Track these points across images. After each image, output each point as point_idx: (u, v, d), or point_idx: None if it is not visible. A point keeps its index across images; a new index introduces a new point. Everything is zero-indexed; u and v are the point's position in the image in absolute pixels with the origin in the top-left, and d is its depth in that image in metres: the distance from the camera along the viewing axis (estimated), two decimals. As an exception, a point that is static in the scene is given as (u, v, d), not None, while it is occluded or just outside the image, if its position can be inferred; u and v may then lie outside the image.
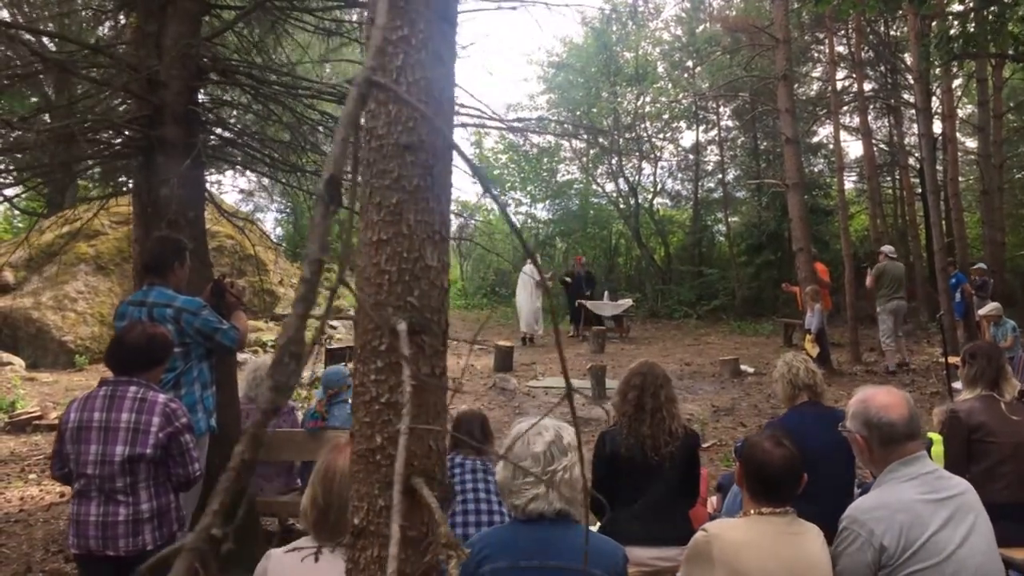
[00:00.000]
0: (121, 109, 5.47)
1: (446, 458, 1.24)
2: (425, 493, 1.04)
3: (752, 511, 2.46)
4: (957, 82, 18.04)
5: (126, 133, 4.88)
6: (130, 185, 5.87)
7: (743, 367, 12.12)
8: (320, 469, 2.22)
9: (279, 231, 25.16)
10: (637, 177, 24.46)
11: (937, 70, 14.38)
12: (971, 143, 21.21)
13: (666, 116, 24.08)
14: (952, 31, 9.58)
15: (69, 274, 13.25)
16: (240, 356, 9.48)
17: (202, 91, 5.15)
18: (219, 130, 5.38)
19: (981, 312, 10.59)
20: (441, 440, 1.20)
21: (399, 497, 0.85)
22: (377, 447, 1.15)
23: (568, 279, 17.16)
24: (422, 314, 1.18)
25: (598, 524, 3.58)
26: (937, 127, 16.77)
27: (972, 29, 9.06)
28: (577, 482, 2.29)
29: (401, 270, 1.20)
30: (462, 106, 4.78)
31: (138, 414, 3.17)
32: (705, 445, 7.71)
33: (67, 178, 5.38)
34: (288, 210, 23.58)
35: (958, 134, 18.31)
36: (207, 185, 5.72)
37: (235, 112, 6.49)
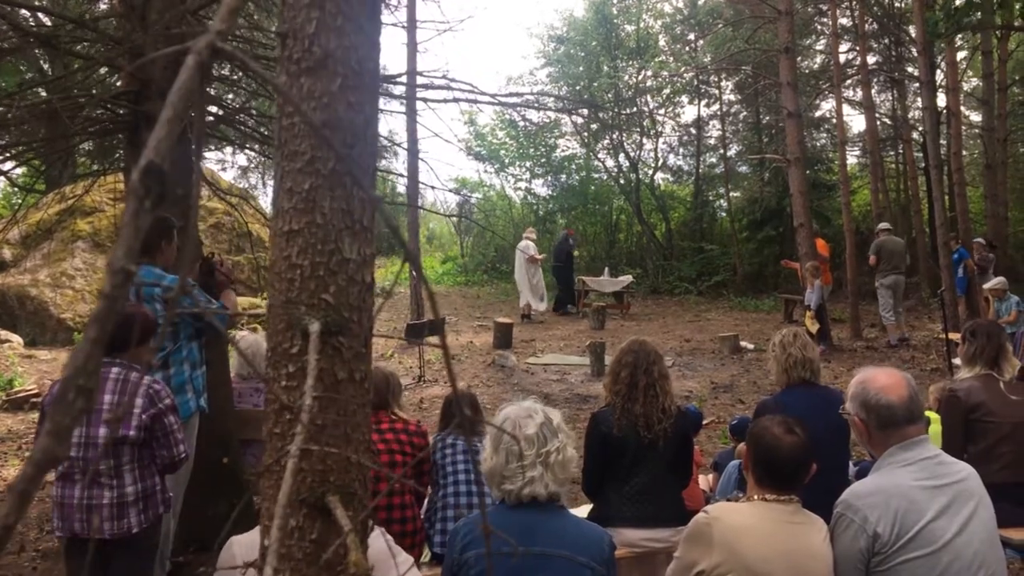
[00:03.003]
0: (117, 84, 5.37)
1: (369, 473, 1.16)
2: (339, 513, 0.96)
3: (756, 496, 2.40)
4: (961, 55, 17.80)
5: (116, 109, 4.80)
6: (122, 162, 5.80)
7: (743, 343, 12.07)
8: None
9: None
10: (638, 152, 24.25)
11: (941, 43, 14.16)
12: (975, 116, 20.99)
13: (667, 90, 23.80)
14: (958, 2, 9.38)
15: (67, 251, 13.18)
16: (239, 334, 9.44)
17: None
18: (212, 107, 5.28)
19: (986, 286, 10.51)
20: (364, 452, 1.11)
21: (277, 534, 0.77)
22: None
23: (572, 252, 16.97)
24: (339, 313, 1.07)
25: (589, 506, 3.55)
26: (941, 100, 16.57)
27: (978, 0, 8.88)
28: (568, 463, 2.26)
29: (315, 264, 1.08)
30: (453, 80, 4.69)
31: (120, 395, 3.13)
32: (704, 422, 7.67)
33: (55, 154, 5.30)
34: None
35: (962, 107, 18.11)
36: (202, 162, 5.62)
37: (231, 90, 6.39)
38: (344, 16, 1.06)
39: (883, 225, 12.73)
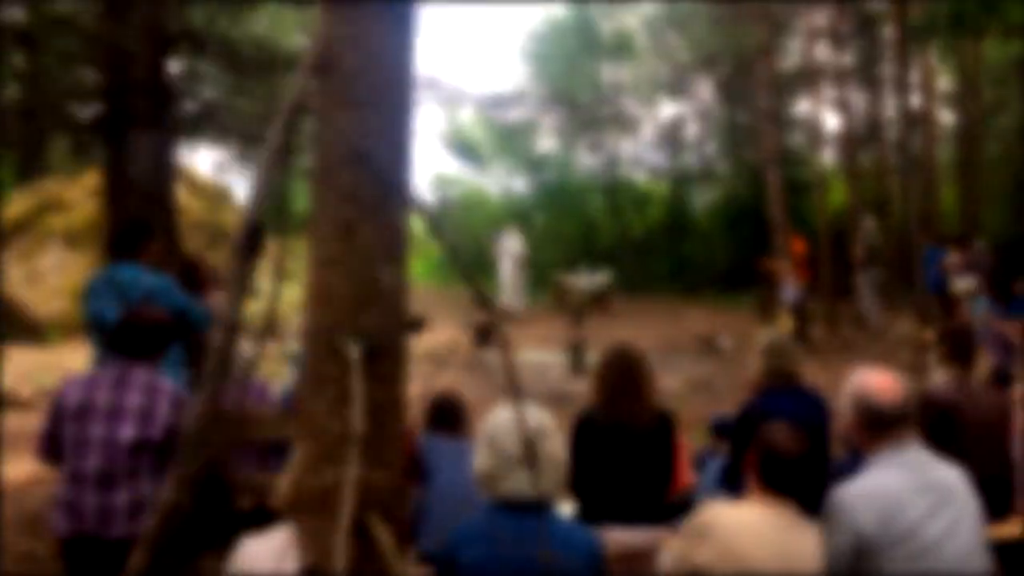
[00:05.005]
0: (89, 81, 5.32)
1: (403, 492, 1.18)
2: (379, 531, 0.99)
3: (756, 497, 2.47)
4: (935, 56, 18.02)
5: (94, 106, 4.76)
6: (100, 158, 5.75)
7: (720, 341, 12.17)
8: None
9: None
10: (616, 150, 24.31)
11: (915, 44, 14.34)
12: (948, 117, 21.26)
13: (645, 89, 23.89)
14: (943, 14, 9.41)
15: (40, 248, 13.01)
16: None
17: (172, 63, 5.02)
18: (189, 103, 5.25)
19: (956, 288, 10.69)
20: (397, 468, 1.14)
21: (342, 547, 0.80)
22: (328, 482, 1.08)
23: None
24: (377, 338, 1.10)
25: (575, 504, 3.59)
26: (916, 101, 16.77)
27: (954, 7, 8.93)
28: (560, 466, 2.29)
29: (353, 291, 1.11)
30: (432, 78, 4.70)
31: (147, 398, 3.17)
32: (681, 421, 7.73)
33: (32, 151, 5.25)
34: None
35: (935, 108, 18.36)
36: (180, 158, 5.60)
37: (209, 85, 6.34)
38: (385, 52, 1.07)
39: (867, 220, 13.07)
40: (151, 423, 3.13)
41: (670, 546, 2.61)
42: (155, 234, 4.01)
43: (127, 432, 3.10)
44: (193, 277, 4.22)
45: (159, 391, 3.21)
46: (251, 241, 0.56)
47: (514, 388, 0.94)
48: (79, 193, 12.97)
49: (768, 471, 2.48)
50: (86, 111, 4.82)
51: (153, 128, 4.29)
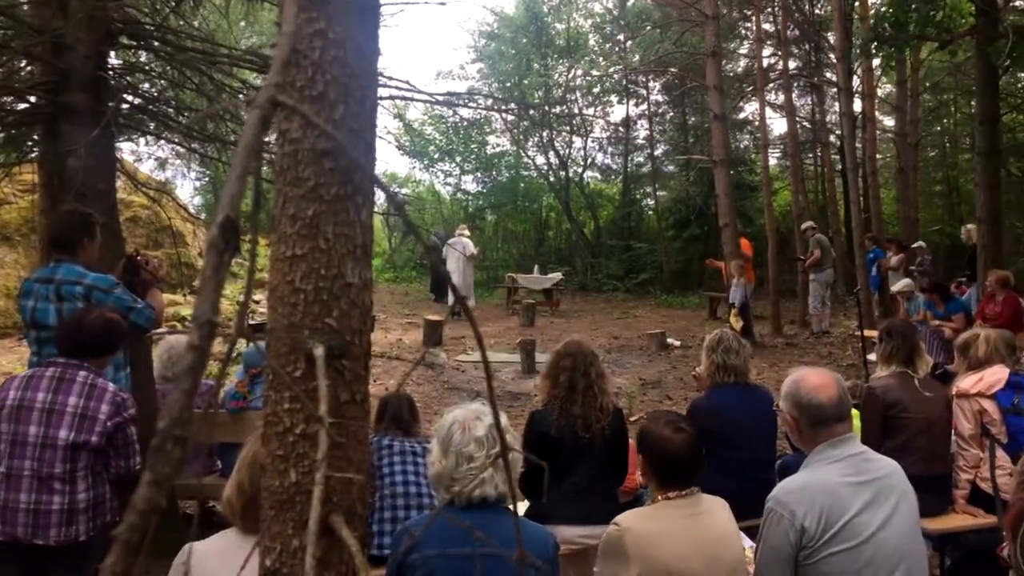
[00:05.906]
0: (24, 73, 5.14)
1: (367, 493, 1.17)
2: (345, 534, 0.98)
3: (660, 497, 2.49)
4: (876, 62, 18.56)
5: (29, 99, 4.60)
6: (35, 152, 5.55)
7: (670, 340, 12.32)
8: (247, 456, 2.14)
9: (198, 200, 24.25)
10: (568, 150, 24.48)
11: (857, 51, 14.72)
12: (889, 122, 21.88)
13: (597, 90, 24.10)
14: (885, 22, 9.67)
15: (-28, 245, 12.54)
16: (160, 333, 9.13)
17: (112, 55, 4.87)
18: (131, 97, 5.10)
19: (894, 288, 11.05)
20: (363, 468, 1.13)
21: (311, 561, 0.78)
22: (292, 483, 1.07)
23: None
24: (342, 336, 1.09)
25: (526, 504, 3.59)
26: (857, 106, 17.21)
27: (897, 15, 9.18)
28: (516, 464, 2.28)
29: (318, 288, 1.10)
30: (389, 78, 4.65)
31: (87, 400, 3.07)
32: (632, 419, 7.81)
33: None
34: (207, 179, 22.69)
35: (877, 113, 18.84)
36: (119, 154, 5.45)
37: (151, 79, 6.17)
38: (349, 43, 1.06)
39: (811, 223, 13.57)
40: (89, 426, 3.04)
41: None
42: (95, 231, 3.88)
43: (63, 433, 3.00)
44: (135, 275, 4.10)
45: (99, 393, 3.11)
46: (226, 239, 0.55)
47: (488, 387, 0.93)
48: (12, 189, 12.52)
49: (659, 469, 2.50)
50: (20, 104, 4.65)
51: (93, 122, 4.15)
